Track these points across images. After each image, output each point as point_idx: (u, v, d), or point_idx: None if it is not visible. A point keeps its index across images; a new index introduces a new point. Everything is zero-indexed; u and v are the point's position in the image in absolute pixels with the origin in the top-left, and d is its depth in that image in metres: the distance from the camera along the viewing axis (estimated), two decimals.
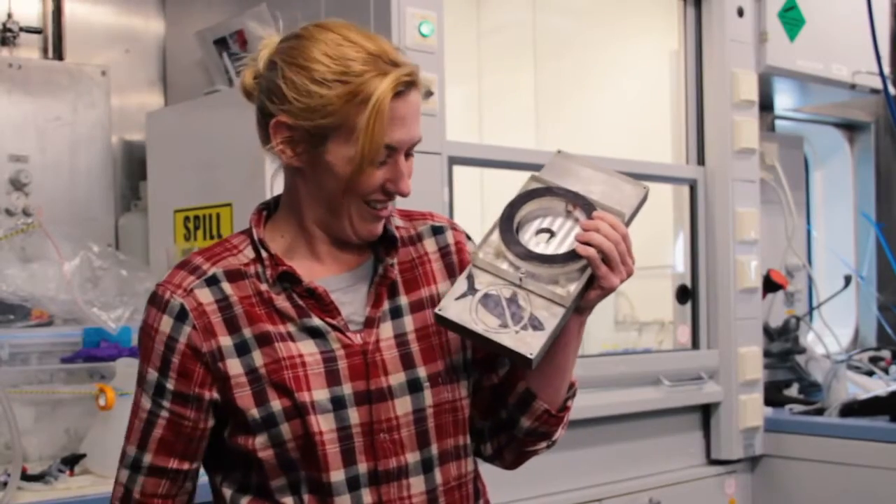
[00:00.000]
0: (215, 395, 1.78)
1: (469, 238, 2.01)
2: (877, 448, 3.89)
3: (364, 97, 1.71)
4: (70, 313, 3.12)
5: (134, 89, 4.00)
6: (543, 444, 1.95)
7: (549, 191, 1.82)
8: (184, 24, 3.97)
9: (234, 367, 1.76)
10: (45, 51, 3.79)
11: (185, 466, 1.82)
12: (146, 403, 1.81)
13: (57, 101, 3.69)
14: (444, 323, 1.74)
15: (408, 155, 1.81)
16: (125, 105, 3.95)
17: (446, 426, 1.86)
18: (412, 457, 1.81)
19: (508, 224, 1.79)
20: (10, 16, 3.68)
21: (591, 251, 1.75)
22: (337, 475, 1.76)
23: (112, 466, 2.81)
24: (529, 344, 1.70)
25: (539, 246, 1.78)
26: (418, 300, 1.88)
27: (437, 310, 1.73)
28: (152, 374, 1.79)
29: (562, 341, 1.82)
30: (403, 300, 1.87)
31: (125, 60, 3.98)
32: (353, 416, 1.77)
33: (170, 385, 1.78)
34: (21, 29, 3.70)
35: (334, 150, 1.75)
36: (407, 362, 1.82)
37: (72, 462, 2.83)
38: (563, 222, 1.82)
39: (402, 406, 1.80)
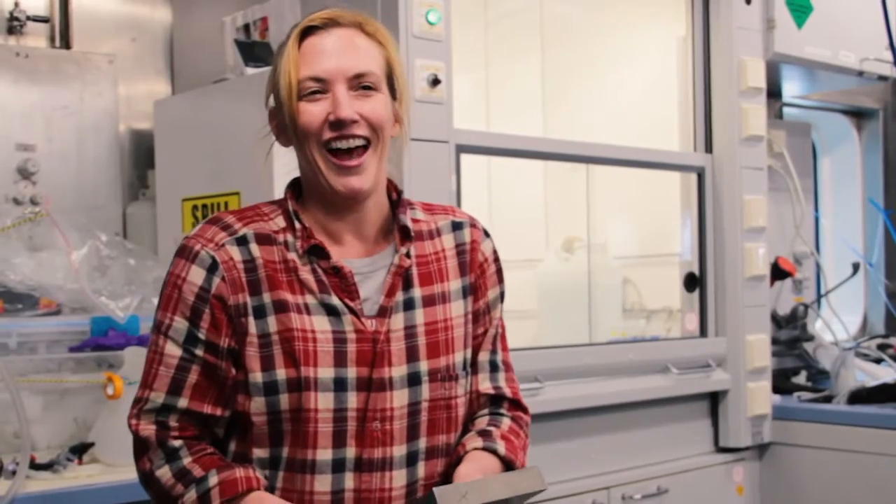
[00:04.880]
0: (234, 345, 1.81)
1: (487, 235, 2.03)
2: (885, 435, 3.89)
3: (285, 46, 1.82)
4: (78, 302, 3.12)
5: (141, 78, 4.00)
6: None
7: None
8: (191, 12, 3.97)
9: (251, 325, 1.79)
10: (52, 39, 3.78)
11: (218, 412, 1.83)
12: (174, 350, 1.81)
13: (64, 89, 3.69)
14: None
15: (363, 88, 1.81)
16: (132, 93, 3.95)
17: (439, 422, 1.88)
18: (399, 450, 1.83)
19: None
20: (17, 4, 3.68)
21: None
22: (324, 454, 1.79)
23: (121, 455, 2.83)
24: None
25: None
26: (430, 295, 1.90)
27: None
28: (180, 323, 1.80)
29: None
30: (417, 293, 1.89)
31: (132, 49, 3.98)
32: (352, 400, 1.79)
33: (201, 334, 1.80)
34: (28, 18, 3.70)
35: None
36: (411, 355, 1.85)
37: (80, 451, 2.83)
38: None
39: (399, 398, 1.82)
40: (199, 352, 1.80)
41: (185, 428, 1.81)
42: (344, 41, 1.80)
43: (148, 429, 1.81)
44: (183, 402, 1.80)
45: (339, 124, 1.78)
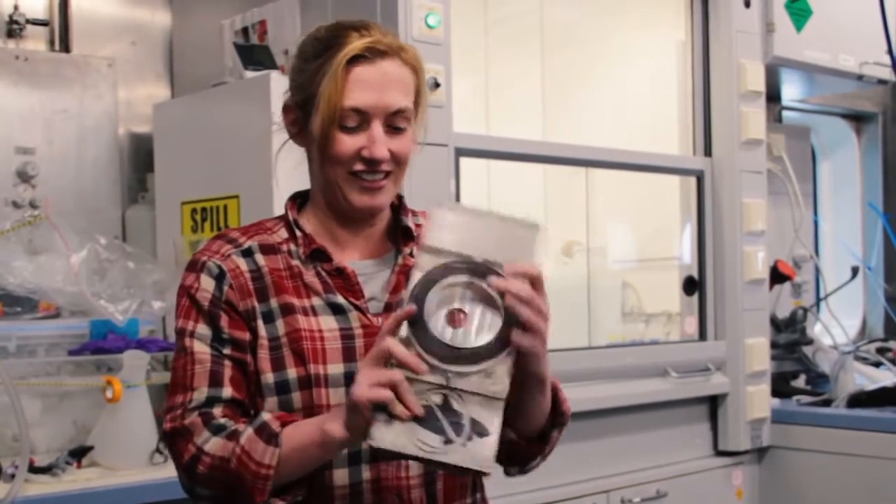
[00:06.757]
0: (252, 341, 1.84)
1: None
2: (884, 439, 3.89)
3: (329, 66, 1.81)
4: (77, 305, 3.12)
5: (141, 81, 4.00)
6: (514, 469, 1.94)
7: (448, 270, 1.62)
8: (190, 16, 3.98)
9: (261, 329, 1.83)
10: (51, 43, 3.79)
11: (252, 408, 1.84)
12: (205, 349, 1.82)
13: (64, 93, 3.69)
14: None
15: (395, 128, 1.85)
16: (132, 97, 3.95)
17: None
18: None
19: (419, 323, 1.59)
20: (16, 8, 3.68)
21: (525, 341, 1.62)
22: None
23: (119, 458, 2.84)
24: (482, 456, 1.56)
25: (457, 337, 1.59)
26: None
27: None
28: (203, 328, 1.83)
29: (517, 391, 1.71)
30: None
31: (132, 52, 3.98)
32: None
33: (225, 335, 1.82)
34: (27, 21, 3.70)
35: (315, 121, 1.84)
36: None
37: (79, 454, 2.83)
38: (471, 301, 1.61)
39: None
40: (227, 350, 1.82)
41: (230, 417, 1.79)
42: (386, 75, 1.84)
43: (192, 419, 1.78)
44: (227, 392, 1.80)
45: (371, 162, 1.83)
